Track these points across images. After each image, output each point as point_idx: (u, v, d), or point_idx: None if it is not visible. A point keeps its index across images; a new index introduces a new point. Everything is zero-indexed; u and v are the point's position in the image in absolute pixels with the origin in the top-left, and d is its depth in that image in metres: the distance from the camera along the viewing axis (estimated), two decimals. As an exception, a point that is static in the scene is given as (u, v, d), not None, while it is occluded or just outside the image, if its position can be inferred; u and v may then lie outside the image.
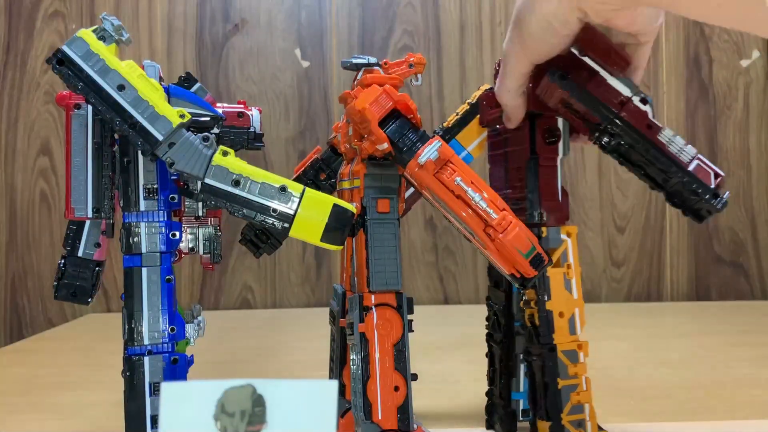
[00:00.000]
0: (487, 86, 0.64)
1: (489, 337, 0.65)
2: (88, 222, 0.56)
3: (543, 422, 0.56)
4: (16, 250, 1.55)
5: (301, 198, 0.49)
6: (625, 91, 0.53)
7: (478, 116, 0.64)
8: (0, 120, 1.55)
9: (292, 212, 0.49)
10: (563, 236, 0.57)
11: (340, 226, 0.49)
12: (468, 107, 0.65)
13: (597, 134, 0.53)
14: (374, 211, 0.53)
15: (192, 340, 0.56)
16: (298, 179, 0.65)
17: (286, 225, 0.49)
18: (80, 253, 0.57)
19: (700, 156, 0.53)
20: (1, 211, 1.55)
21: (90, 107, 0.55)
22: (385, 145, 0.51)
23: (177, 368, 0.53)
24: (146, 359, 0.52)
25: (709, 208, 0.52)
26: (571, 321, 0.56)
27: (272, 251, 0.66)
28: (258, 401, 0.31)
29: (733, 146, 1.67)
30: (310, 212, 0.49)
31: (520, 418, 0.63)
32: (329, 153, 0.66)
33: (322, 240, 0.49)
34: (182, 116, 0.49)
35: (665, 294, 1.66)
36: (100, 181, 0.55)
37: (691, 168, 0.52)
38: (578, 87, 0.52)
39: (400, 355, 0.52)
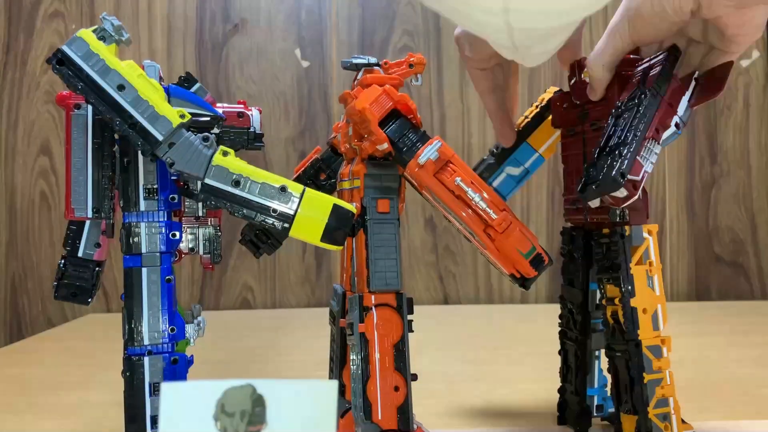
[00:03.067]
0: (555, 89, 0.65)
1: (563, 335, 0.66)
2: (88, 222, 0.56)
3: (628, 416, 0.57)
4: (16, 250, 1.55)
5: (301, 198, 0.49)
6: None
7: (550, 118, 0.64)
8: (0, 120, 1.55)
9: (292, 212, 0.49)
10: (645, 234, 0.58)
11: (340, 226, 0.50)
12: (537, 110, 0.65)
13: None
14: (374, 211, 0.53)
15: (192, 340, 0.56)
16: (298, 179, 0.65)
17: (286, 225, 0.49)
18: (80, 254, 0.57)
19: (647, 171, 0.52)
20: (1, 211, 1.55)
21: (90, 107, 0.55)
22: (385, 145, 0.51)
23: (177, 368, 0.53)
24: (146, 359, 0.52)
25: (588, 184, 0.51)
26: (654, 317, 0.57)
27: (272, 251, 0.66)
28: (258, 401, 0.31)
29: (733, 146, 1.67)
30: (310, 212, 0.49)
31: (594, 414, 0.64)
32: (329, 153, 0.66)
33: (322, 240, 0.49)
34: (182, 116, 0.49)
35: (665, 294, 1.65)
36: (100, 181, 0.55)
37: (642, 164, 0.51)
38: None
39: (400, 355, 0.52)
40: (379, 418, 0.50)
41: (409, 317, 0.53)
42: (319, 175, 0.65)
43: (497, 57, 0.57)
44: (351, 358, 0.52)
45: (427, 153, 0.50)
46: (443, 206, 0.51)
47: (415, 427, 0.52)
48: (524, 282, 0.51)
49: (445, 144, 0.51)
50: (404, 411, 0.51)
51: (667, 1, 0.48)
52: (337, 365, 0.59)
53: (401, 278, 0.53)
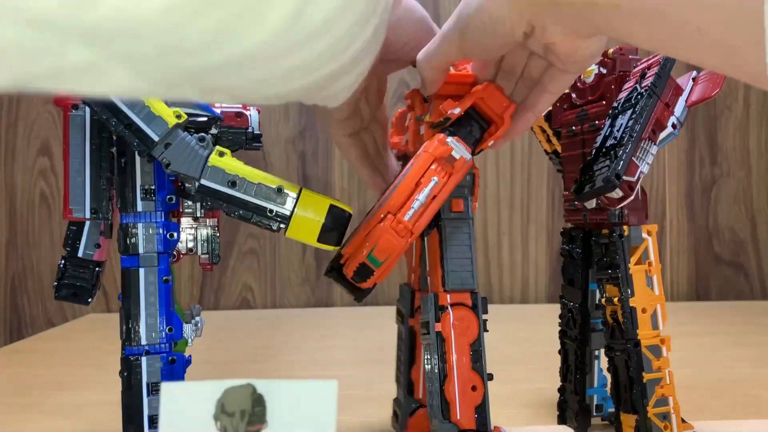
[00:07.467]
0: None
1: (563, 334, 0.66)
2: (88, 223, 0.56)
3: (627, 416, 0.57)
4: (16, 250, 1.55)
5: (297, 199, 0.49)
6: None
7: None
8: (0, 120, 1.55)
9: (288, 213, 0.49)
10: (644, 235, 0.58)
11: (336, 226, 0.49)
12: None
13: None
14: (448, 210, 0.52)
15: (190, 340, 0.56)
16: None
17: (282, 226, 0.49)
18: (80, 254, 0.57)
19: (643, 171, 0.52)
20: (1, 211, 1.55)
21: (88, 108, 0.55)
22: (458, 110, 0.49)
23: (174, 368, 0.53)
24: (143, 359, 0.52)
25: (590, 180, 0.52)
26: (653, 317, 0.57)
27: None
28: (258, 401, 0.31)
29: (733, 146, 1.67)
30: (306, 213, 0.49)
31: (593, 414, 0.64)
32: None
33: (318, 240, 0.49)
34: (178, 116, 0.49)
35: (665, 294, 1.65)
36: (98, 182, 0.55)
37: (638, 165, 0.51)
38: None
39: (476, 354, 0.51)
40: (458, 417, 0.50)
41: (484, 317, 0.53)
42: None
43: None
44: (425, 357, 0.52)
45: (459, 147, 0.49)
46: (406, 169, 0.49)
47: (492, 427, 0.51)
48: (331, 269, 0.49)
49: (468, 165, 0.49)
50: (482, 411, 0.50)
51: (498, 23, 0.43)
52: (405, 364, 0.58)
53: (476, 277, 0.53)
